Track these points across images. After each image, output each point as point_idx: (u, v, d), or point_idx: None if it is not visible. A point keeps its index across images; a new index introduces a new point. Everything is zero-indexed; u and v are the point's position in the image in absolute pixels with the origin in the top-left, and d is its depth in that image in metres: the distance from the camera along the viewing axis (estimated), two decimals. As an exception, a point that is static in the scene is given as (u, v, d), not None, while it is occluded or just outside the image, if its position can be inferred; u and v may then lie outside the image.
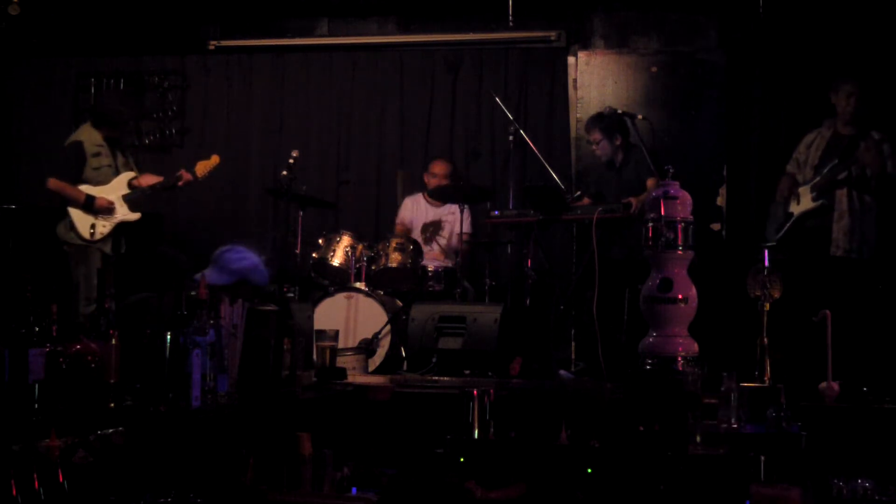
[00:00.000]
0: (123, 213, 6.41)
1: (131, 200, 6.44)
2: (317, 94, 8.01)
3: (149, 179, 6.50)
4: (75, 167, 6.41)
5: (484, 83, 7.66)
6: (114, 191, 6.43)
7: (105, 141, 6.48)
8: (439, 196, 7.00)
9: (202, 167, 6.57)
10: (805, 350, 4.91)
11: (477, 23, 7.80)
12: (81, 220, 6.34)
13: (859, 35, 6.76)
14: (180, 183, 6.55)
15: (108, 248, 6.36)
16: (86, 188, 6.38)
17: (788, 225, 5.97)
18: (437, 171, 7.16)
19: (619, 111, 6.28)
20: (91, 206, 6.33)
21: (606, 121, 6.21)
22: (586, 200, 6.27)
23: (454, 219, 7.05)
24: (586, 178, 6.98)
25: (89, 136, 6.50)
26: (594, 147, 6.38)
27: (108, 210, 6.35)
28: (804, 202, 5.93)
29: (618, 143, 6.22)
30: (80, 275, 6.30)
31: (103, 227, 6.36)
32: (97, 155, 6.44)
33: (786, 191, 6.09)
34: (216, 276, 4.03)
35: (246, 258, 4.19)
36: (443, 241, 7.05)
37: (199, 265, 4.24)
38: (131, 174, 6.49)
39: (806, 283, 5.54)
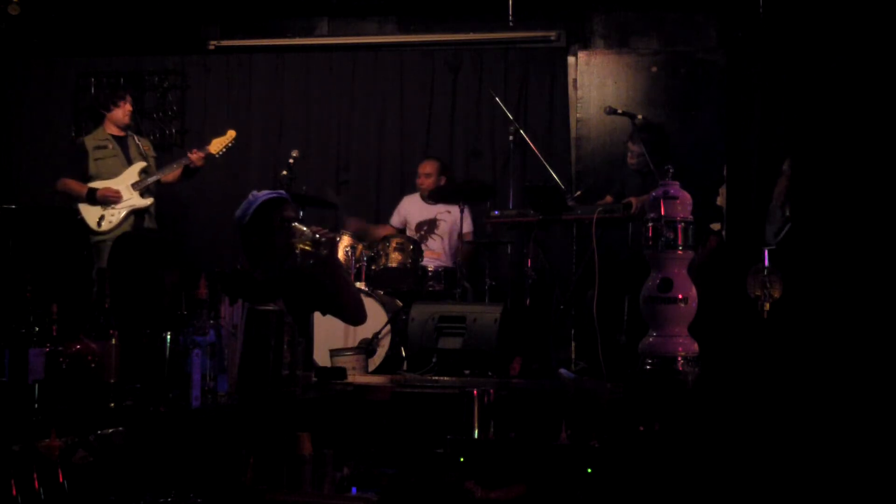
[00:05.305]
0: (133, 201, 6.45)
1: (143, 188, 6.48)
2: (317, 94, 8.01)
3: (170, 168, 6.61)
4: (78, 164, 6.51)
5: (484, 83, 7.66)
6: (123, 181, 6.49)
7: (111, 136, 6.58)
8: (439, 196, 7.01)
9: (217, 143, 6.62)
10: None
11: (477, 23, 7.80)
12: (89, 213, 6.44)
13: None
14: (194, 163, 6.55)
15: None
16: (93, 183, 6.45)
17: (787, 228, 5.94)
18: (423, 171, 7.18)
19: (620, 111, 6.27)
20: (93, 198, 6.39)
21: (652, 135, 6.13)
22: (609, 199, 6.25)
23: (450, 217, 7.06)
24: (588, 176, 6.97)
25: (95, 133, 6.66)
26: (629, 155, 6.28)
27: (113, 200, 6.40)
28: None
29: (647, 157, 6.09)
30: (94, 271, 6.37)
31: (112, 215, 6.40)
32: (101, 148, 6.56)
33: (783, 192, 6.06)
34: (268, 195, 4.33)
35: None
36: (438, 240, 7.06)
37: (198, 265, 4.26)
38: (143, 164, 6.55)
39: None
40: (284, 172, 6.67)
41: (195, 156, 6.56)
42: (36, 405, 2.97)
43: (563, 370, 5.41)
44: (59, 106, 8.24)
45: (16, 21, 7.26)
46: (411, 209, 7.25)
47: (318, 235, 4.27)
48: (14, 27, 7.48)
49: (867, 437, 3.77)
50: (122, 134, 6.65)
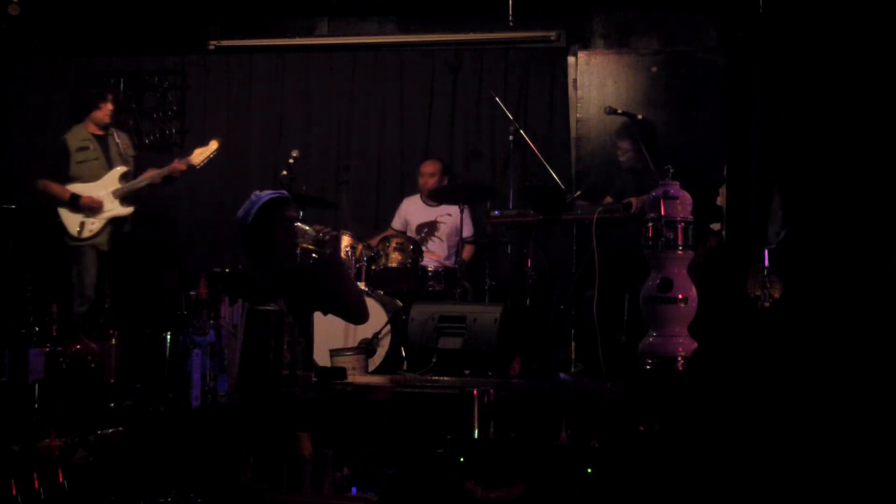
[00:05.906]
0: (113, 210, 6.38)
1: (123, 196, 6.41)
2: (317, 94, 8.01)
3: (152, 172, 6.52)
4: (60, 164, 6.44)
5: (484, 83, 7.66)
6: (104, 187, 6.40)
7: (92, 135, 6.50)
8: (439, 197, 7.01)
9: (199, 154, 6.57)
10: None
11: (477, 23, 7.80)
12: (70, 219, 6.36)
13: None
14: (175, 172, 6.52)
15: (104, 246, 6.35)
16: (74, 186, 6.37)
17: (784, 231, 5.93)
18: (425, 171, 7.18)
19: (620, 111, 6.27)
20: (76, 205, 6.33)
21: (636, 130, 6.13)
22: (608, 199, 6.25)
23: (451, 220, 7.05)
24: (588, 176, 6.96)
25: (76, 132, 6.54)
26: (619, 154, 6.28)
27: (95, 208, 6.33)
28: None
29: (645, 153, 6.08)
30: (73, 274, 6.31)
31: (92, 223, 6.34)
32: (83, 149, 6.46)
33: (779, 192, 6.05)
34: (271, 195, 4.35)
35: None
36: (438, 242, 7.05)
37: (197, 265, 4.26)
38: (123, 168, 6.47)
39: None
40: (284, 172, 6.67)
41: (176, 166, 6.50)
42: (36, 405, 2.98)
43: (562, 374, 5.42)
44: (59, 106, 8.22)
45: (16, 21, 7.25)
46: (412, 211, 7.25)
47: (321, 234, 4.28)
48: (14, 27, 7.48)
49: (868, 442, 3.77)
50: (102, 133, 6.56)
